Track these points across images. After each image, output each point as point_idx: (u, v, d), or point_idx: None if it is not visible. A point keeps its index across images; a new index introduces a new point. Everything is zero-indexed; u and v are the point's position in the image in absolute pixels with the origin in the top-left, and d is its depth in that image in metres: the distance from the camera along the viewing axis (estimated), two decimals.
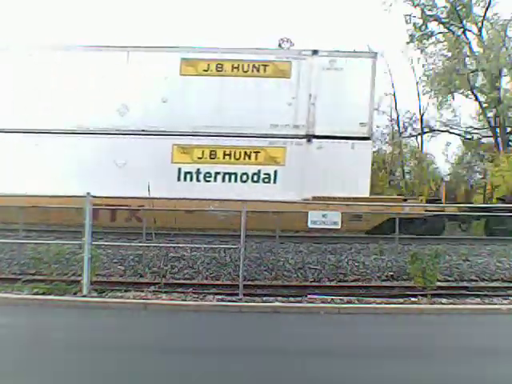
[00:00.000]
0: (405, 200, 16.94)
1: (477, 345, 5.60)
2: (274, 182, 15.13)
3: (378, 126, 36.10)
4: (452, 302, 7.87)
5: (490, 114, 26.00)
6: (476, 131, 28.82)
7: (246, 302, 7.63)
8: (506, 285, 9.51)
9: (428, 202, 16.45)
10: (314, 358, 5.05)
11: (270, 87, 15.15)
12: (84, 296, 7.59)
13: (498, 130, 25.42)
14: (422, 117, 30.66)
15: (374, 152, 38.66)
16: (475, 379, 4.60)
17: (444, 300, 7.92)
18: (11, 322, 6.21)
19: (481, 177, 26.30)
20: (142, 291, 8.05)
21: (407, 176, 30.50)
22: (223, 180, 15.15)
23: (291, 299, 7.83)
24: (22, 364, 4.66)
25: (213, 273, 10.12)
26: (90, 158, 14.60)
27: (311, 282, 9.80)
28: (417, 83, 29.49)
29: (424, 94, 28.36)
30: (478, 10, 25.05)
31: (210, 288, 8.81)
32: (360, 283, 9.73)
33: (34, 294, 7.69)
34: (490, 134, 26.88)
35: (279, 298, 7.89)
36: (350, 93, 15.02)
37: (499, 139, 25.19)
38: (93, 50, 15.30)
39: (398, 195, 23.40)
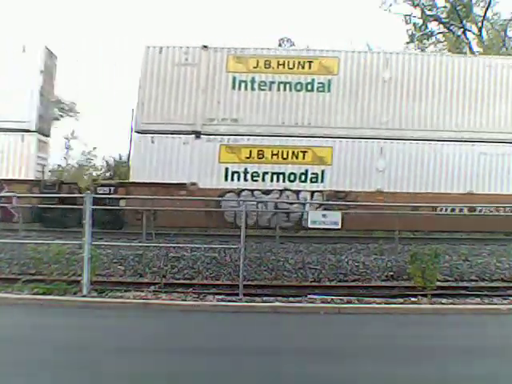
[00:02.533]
0: None
1: (477, 345, 5.59)
2: None
3: None
4: (452, 301, 7.87)
5: None
6: None
7: (246, 301, 7.63)
8: (506, 285, 9.49)
9: None
10: (314, 358, 5.04)
11: None
12: (84, 296, 7.59)
13: None
14: None
15: None
16: (475, 379, 4.59)
17: (444, 300, 7.91)
18: (11, 322, 6.22)
19: None
20: (142, 291, 8.05)
21: None
22: None
23: (291, 299, 7.82)
24: (22, 364, 4.65)
25: (213, 273, 10.11)
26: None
27: (311, 282, 9.79)
28: None
29: None
30: (478, 10, 25.09)
31: (210, 288, 8.80)
32: (360, 283, 9.71)
33: (34, 294, 7.68)
34: None
35: (279, 298, 7.88)
36: None
37: None
38: None
39: None
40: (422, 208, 14.11)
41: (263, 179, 15.28)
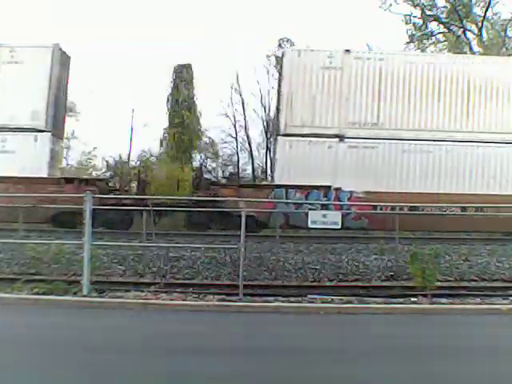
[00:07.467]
0: None
1: (477, 345, 5.60)
2: None
3: None
4: (452, 301, 7.87)
5: None
6: None
7: (246, 302, 7.63)
8: (506, 285, 9.49)
9: None
10: (314, 358, 5.04)
11: None
12: (84, 296, 7.59)
13: None
14: None
15: None
16: (475, 379, 4.60)
17: (444, 300, 7.92)
18: (11, 322, 6.21)
19: None
20: (142, 291, 8.05)
21: None
22: None
23: (291, 299, 7.82)
24: (23, 364, 4.65)
25: (213, 273, 10.11)
26: None
27: (311, 282, 9.78)
28: None
29: None
30: (478, 10, 25.09)
31: (209, 288, 8.80)
32: (360, 283, 9.69)
33: (34, 294, 7.68)
34: None
35: (279, 298, 7.87)
36: None
37: None
38: None
39: None
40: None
41: None
